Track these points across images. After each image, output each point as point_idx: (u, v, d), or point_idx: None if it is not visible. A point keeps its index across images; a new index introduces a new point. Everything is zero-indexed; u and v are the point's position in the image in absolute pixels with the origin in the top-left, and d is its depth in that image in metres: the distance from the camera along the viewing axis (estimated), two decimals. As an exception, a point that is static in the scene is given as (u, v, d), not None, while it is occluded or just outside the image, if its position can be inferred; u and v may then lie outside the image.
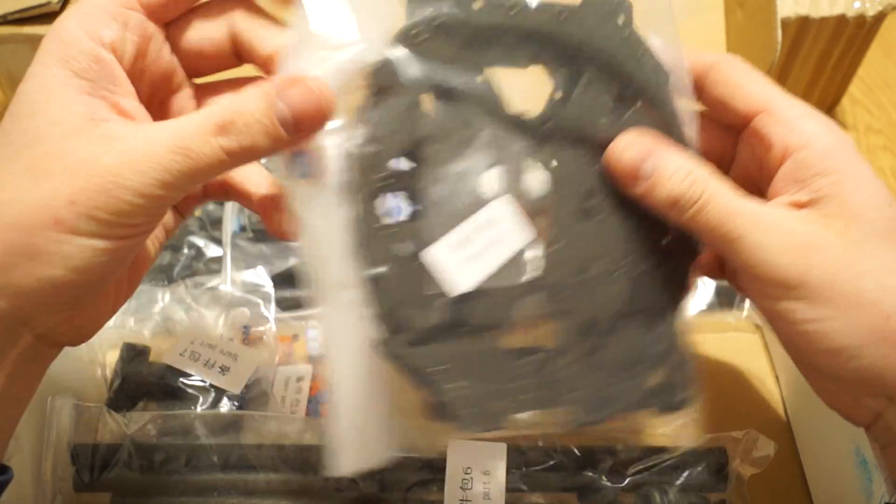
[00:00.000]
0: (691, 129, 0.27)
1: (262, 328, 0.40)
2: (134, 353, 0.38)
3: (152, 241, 0.28)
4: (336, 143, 0.22)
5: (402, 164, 0.23)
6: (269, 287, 0.42)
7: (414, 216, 0.23)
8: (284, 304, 0.42)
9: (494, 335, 0.25)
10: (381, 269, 0.23)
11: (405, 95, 0.23)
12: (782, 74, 0.52)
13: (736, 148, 0.28)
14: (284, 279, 0.43)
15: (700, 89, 0.27)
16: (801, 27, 0.48)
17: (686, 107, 0.26)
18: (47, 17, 0.47)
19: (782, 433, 0.38)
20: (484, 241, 0.24)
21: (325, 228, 0.22)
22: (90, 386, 0.38)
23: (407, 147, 0.23)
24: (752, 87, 0.26)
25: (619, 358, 0.26)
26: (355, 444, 0.23)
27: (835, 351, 0.24)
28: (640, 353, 0.27)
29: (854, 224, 0.24)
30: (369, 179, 0.23)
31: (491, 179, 0.24)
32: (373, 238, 0.23)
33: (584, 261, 0.26)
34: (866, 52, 0.51)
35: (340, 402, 0.23)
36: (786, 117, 0.25)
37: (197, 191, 0.28)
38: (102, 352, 0.39)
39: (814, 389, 0.28)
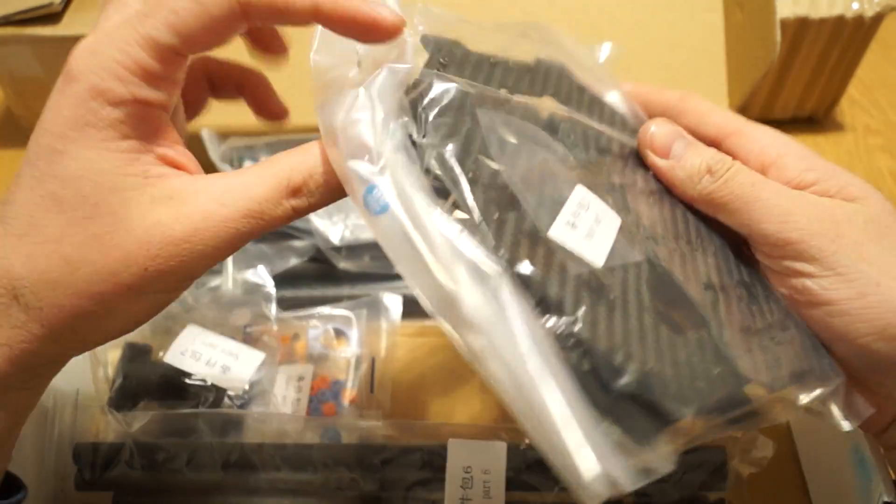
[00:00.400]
0: None
1: (263, 327, 0.40)
2: (136, 353, 0.38)
3: None
4: (403, 161, 0.22)
5: (483, 161, 0.23)
6: (269, 287, 0.42)
7: (508, 208, 0.23)
8: (285, 304, 0.42)
9: (646, 312, 0.23)
10: (523, 261, 0.21)
11: (457, 102, 0.23)
12: (781, 75, 0.52)
13: None
14: (285, 279, 0.43)
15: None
16: (799, 28, 0.48)
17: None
18: (49, 18, 0.48)
19: (781, 432, 0.38)
20: (587, 221, 0.24)
21: (436, 244, 0.21)
22: (92, 385, 0.39)
23: (479, 144, 0.23)
24: (718, 115, 0.29)
25: (754, 322, 0.25)
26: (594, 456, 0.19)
27: (877, 330, 0.23)
28: (763, 319, 0.25)
29: (863, 202, 0.25)
30: (460, 176, 0.22)
31: (560, 171, 0.25)
32: (494, 230, 0.22)
33: (668, 239, 0.26)
34: (864, 53, 0.51)
35: (551, 408, 0.19)
36: (757, 136, 0.27)
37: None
38: (104, 351, 0.39)
39: None
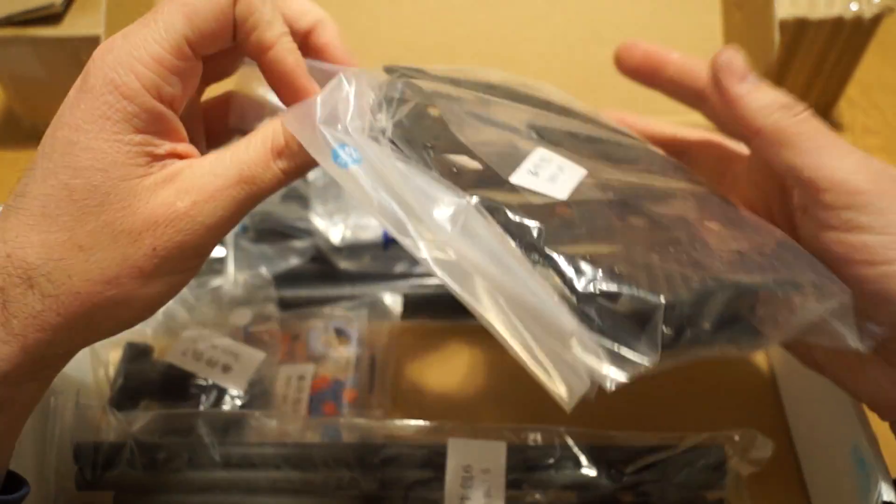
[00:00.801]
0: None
1: (263, 327, 0.40)
2: (136, 352, 0.38)
3: None
4: (369, 141, 0.23)
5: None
6: (270, 287, 0.42)
7: (469, 165, 0.24)
8: (286, 304, 0.42)
9: (616, 233, 0.24)
10: (485, 197, 0.22)
11: (419, 92, 0.25)
12: (780, 76, 0.52)
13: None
14: (286, 279, 0.43)
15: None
16: (798, 29, 0.48)
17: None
18: (50, 19, 0.48)
19: (780, 432, 0.38)
20: (550, 170, 0.25)
21: (405, 189, 0.22)
22: (93, 385, 0.39)
23: (439, 123, 0.25)
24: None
25: (740, 244, 0.25)
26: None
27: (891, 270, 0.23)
28: (751, 241, 0.25)
29: None
30: (419, 145, 0.24)
31: (522, 143, 0.26)
32: (455, 180, 0.23)
33: (642, 187, 0.26)
34: (863, 54, 0.51)
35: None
36: None
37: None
38: (105, 351, 0.39)
39: (846, 385, 0.28)
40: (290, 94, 0.24)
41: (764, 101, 0.26)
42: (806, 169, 0.25)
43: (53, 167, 0.21)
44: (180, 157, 0.23)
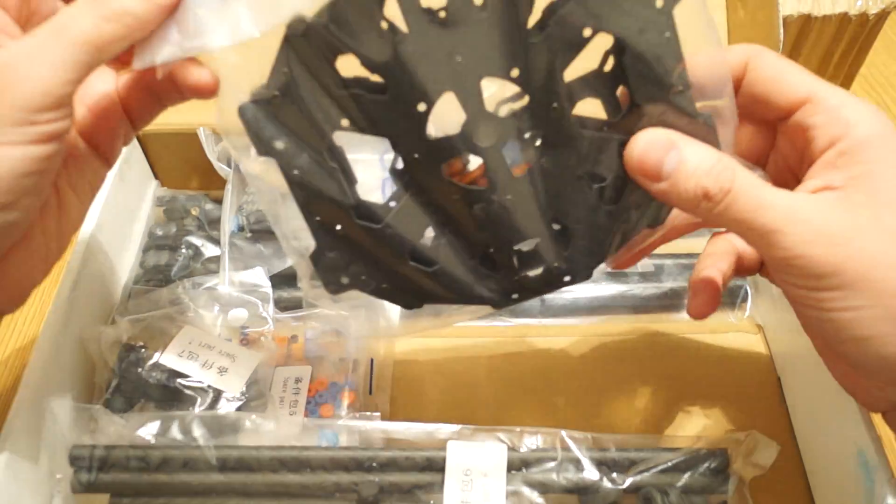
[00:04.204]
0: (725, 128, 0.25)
1: (260, 329, 0.40)
2: (132, 354, 0.38)
3: (80, 198, 0.27)
4: None
5: None
6: (267, 287, 0.41)
7: None
8: (283, 305, 0.42)
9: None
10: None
11: None
12: (784, 73, 0.52)
13: (770, 145, 0.28)
14: (283, 279, 0.43)
15: (735, 87, 0.26)
16: (803, 26, 0.48)
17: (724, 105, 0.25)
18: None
19: (784, 435, 0.37)
20: None
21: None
22: (88, 387, 0.38)
23: None
24: (791, 79, 0.26)
25: None
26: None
27: (866, 339, 0.23)
28: None
29: (886, 212, 0.23)
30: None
31: None
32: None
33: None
34: (869, 51, 0.51)
35: None
36: (829, 106, 0.25)
37: (115, 114, 0.27)
38: (100, 353, 0.39)
39: (833, 375, 0.28)
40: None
41: (686, 194, 0.24)
42: (749, 244, 0.25)
43: None
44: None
